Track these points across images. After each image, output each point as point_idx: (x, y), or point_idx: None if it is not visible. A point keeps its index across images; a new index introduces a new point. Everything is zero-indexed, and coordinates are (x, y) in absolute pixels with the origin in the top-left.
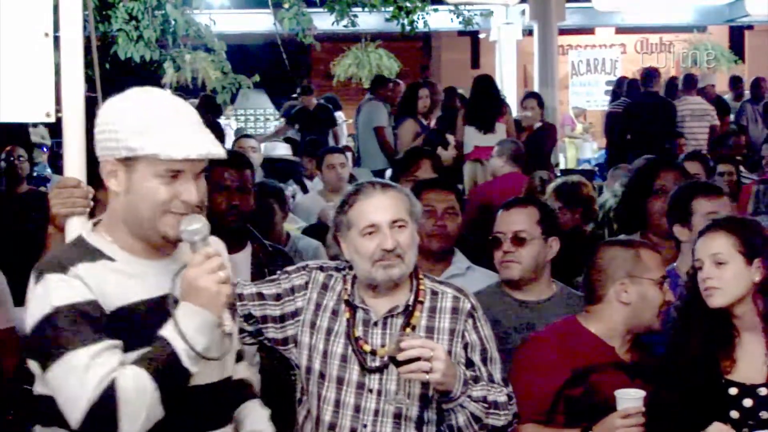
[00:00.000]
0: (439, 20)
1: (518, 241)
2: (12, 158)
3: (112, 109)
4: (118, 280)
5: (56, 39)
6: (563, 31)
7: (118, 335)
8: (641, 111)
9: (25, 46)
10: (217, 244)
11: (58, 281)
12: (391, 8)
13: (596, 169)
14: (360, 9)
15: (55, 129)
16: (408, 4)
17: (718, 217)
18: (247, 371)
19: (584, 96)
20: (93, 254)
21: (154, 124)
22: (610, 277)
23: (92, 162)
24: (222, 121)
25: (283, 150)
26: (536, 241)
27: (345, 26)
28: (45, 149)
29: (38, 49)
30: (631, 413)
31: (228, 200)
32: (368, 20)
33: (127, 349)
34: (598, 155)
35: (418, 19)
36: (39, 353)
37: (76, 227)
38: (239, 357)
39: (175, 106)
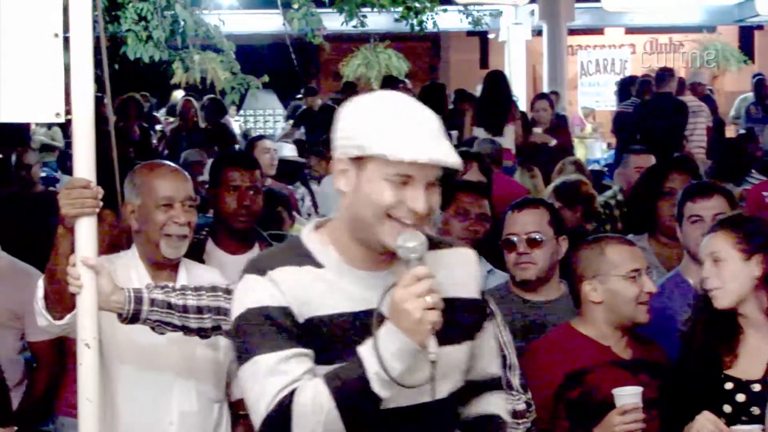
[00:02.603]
0: (448, 20)
1: (533, 242)
2: (23, 162)
3: (353, 106)
4: (321, 288)
5: (66, 39)
6: (572, 32)
7: (310, 344)
8: (651, 111)
9: (35, 46)
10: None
11: (254, 283)
12: (400, 8)
13: (605, 169)
14: (369, 9)
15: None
16: (417, 5)
17: (723, 217)
18: (500, 405)
19: (593, 96)
20: (301, 258)
21: (388, 125)
22: (579, 277)
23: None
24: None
25: (289, 151)
26: (550, 242)
27: (354, 27)
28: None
29: (48, 50)
30: (628, 409)
31: (238, 201)
32: (377, 20)
33: (320, 361)
34: (607, 155)
35: (427, 19)
36: (235, 354)
37: (86, 228)
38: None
39: (415, 111)
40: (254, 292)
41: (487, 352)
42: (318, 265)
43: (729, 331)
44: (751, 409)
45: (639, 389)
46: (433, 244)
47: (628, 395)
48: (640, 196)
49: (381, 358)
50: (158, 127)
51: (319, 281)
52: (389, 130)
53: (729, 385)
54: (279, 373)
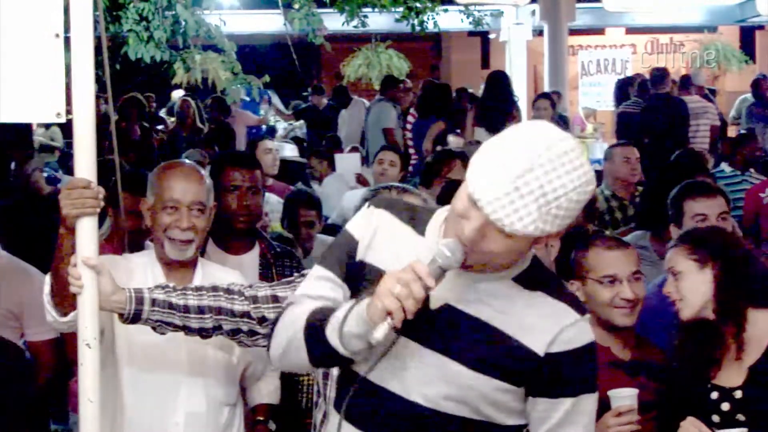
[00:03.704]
0: (449, 20)
1: None
2: (28, 172)
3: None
4: (404, 251)
5: (67, 40)
6: (573, 32)
7: (354, 283)
8: (657, 113)
9: (36, 46)
10: None
11: (361, 210)
12: (401, 9)
13: None
14: (370, 9)
15: (66, 129)
16: (418, 5)
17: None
18: None
19: (594, 96)
20: (413, 220)
21: (486, 156)
22: (571, 278)
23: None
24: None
25: (290, 151)
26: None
27: (355, 27)
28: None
29: (49, 50)
30: (623, 411)
31: (239, 200)
32: (378, 21)
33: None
34: None
35: (428, 19)
36: None
37: (87, 228)
38: None
39: (521, 158)
40: (354, 217)
41: (562, 422)
42: (420, 233)
43: (713, 341)
44: (737, 417)
45: (635, 391)
46: (534, 285)
47: (624, 397)
48: (655, 194)
49: (349, 310)
50: (159, 127)
51: (407, 244)
52: (480, 159)
53: (715, 395)
54: (308, 286)
